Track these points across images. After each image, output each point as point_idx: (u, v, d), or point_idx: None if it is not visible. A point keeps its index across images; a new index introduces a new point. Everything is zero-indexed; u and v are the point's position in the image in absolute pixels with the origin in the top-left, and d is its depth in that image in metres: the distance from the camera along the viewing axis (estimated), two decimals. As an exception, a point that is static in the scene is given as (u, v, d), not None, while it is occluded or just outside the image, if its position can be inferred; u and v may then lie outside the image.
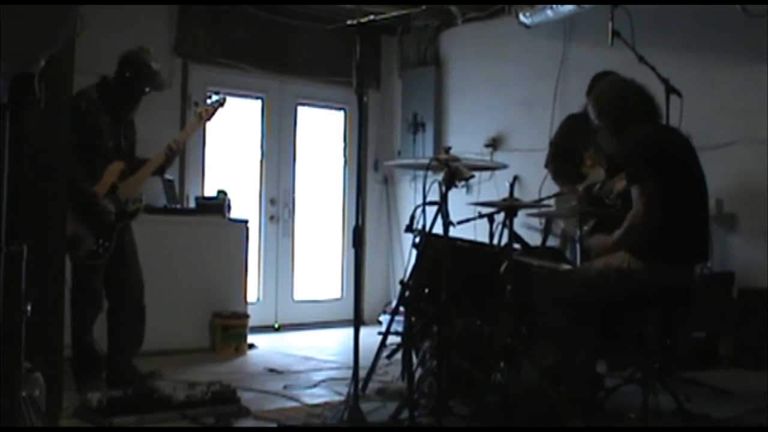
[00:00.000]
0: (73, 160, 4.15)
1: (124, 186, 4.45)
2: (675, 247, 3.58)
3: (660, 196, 3.52)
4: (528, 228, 5.83)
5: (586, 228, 4.71)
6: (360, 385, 3.70)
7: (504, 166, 4.79)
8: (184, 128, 5.04)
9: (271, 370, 5.20)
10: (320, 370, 5.22)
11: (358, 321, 3.67)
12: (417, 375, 3.86)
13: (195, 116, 4.76)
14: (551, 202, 5.14)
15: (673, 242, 3.57)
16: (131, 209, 4.50)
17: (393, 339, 4.16)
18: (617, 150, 3.81)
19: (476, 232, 4.25)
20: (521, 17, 6.43)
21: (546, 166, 5.27)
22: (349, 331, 3.78)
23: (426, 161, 3.81)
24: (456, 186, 3.79)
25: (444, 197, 3.73)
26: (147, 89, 4.44)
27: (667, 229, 3.53)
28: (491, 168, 5.72)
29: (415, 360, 3.95)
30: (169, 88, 6.50)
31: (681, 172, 3.67)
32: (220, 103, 4.76)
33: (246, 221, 6.34)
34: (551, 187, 5.20)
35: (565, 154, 5.07)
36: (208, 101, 4.81)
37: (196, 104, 4.82)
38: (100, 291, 4.46)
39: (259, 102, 7.32)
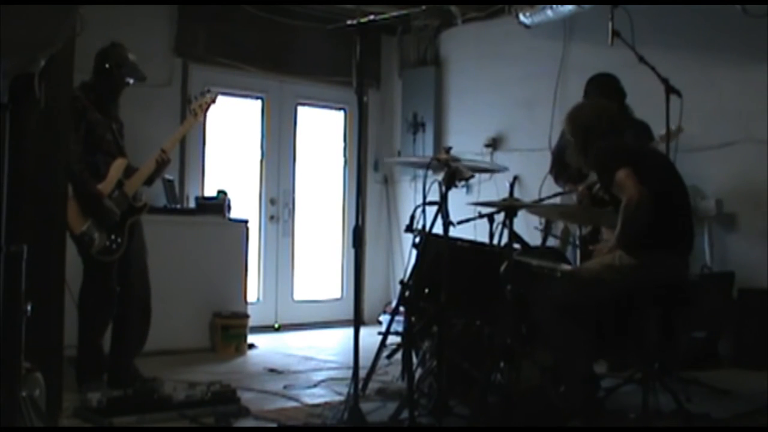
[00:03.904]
0: (78, 159, 4.19)
1: (129, 182, 4.46)
2: (661, 234, 3.63)
3: (645, 174, 3.60)
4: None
5: (585, 229, 4.73)
6: (360, 385, 3.70)
7: (504, 169, 4.79)
8: (181, 125, 5.02)
9: (271, 370, 5.20)
10: (320, 370, 5.22)
11: (358, 321, 3.66)
12: (417, 375, 3.86)
13: (190, 114, 4.75)
14: (551, 202, 5.15)
15: (659, 230, 3.62)
16: (139, 205, 4.51)
17: (393, 339, 4.16)
18: (582, 165, 4.00)
19: (476, 232, 4.25)
20: (521, 17, 6.43)
21: (550, 171, 5.31)
22: (349, 331, 3.78)
23: (426, 160, 3.81)
24: (456, 186, 3.79)
25: (444, 197, 3.73)
26: (128, 80, 4.45)
27: (656, 209, 3.59)
28: (491, 170, 5.72)
29: (415, 360, 3.95)
30: (168, 87, 6.58)
31: (653, 166, 3.77)
32: (213, 99, 4.75)
33: (246, 221, 6.34)
34: (551, 187, 5.21)
35: (567, 157, 5.10)
36: (204, 96, 4.78)
37: (190, 101, 4.81)
38: (114, 291, 4.42)
39: (259, 102, 7.32)
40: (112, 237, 4.35)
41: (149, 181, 4.65)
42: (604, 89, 4.92)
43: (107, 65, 4.39)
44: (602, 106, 4.04)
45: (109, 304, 4.42)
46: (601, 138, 3.83)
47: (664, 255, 3.67)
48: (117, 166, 4.43)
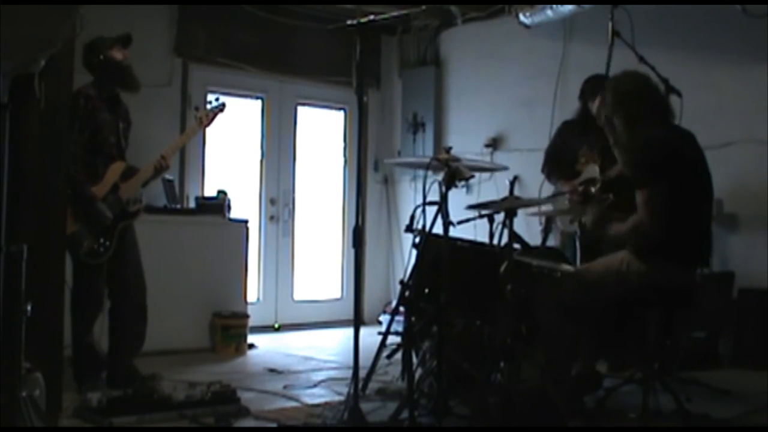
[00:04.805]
0: (75, 160, 4.19)
1: (125, 186, 4.45)
2: (678, 249, 3.58)
3: (666, 203, 3.50)
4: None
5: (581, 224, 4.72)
6: (360, 385, 3.70)
7: (504, 168, 4.78)
8: (183, 133, 5.03)
9: (271, 370, 5.20)
10: (320, 370, 5.22)
11: (358, 321, 3.67)
12: (417, 375, 3.86)
13: (195, 121, 4.77)
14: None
15: (677, 245, 3.56)
16: (133, 209, 4.50)
17: (393, 339, 4.16)
18: (626, 144, 3.74)
19: (476, 232, 4.25)
20: (521, 17, 6.43)
21: (542, 170, 5.31)
22: (349, 331, 3.78)
23: (426, 160, 3.81)
24: (456, 186, 3.79)
25: (444, 197, 3.73)
26: (123, 48, 4.44)
27: (672, 231, 3.52)
28: (491, 169, 5.72)
29: (415, 360, 3.95)
30: (168, 87, 6.58)
31: (688, 176, 3.64)
32: (220, 109, 4.77)
33: (246, 221, 6.34)
34: (551, 187, 5.21)
35: (560, 155, 5.11)
36: (208, 106, 4.82)
37: (197, 109, 4.82)
38: (101, 291, 4.45)
39: (259, 102, 7.32)
40: (101, 240, 4.35)
41: (144, 184, 4.65)
42: (601, 90, 4.92)
43: (101, 56, 4.38)
44: (645, 79, 3.82)
45: (95, 304, 4.43)
46: (649, 117, 3.68)
47: (675, 268, 3.60)
48: (114, 169, 4.43)
